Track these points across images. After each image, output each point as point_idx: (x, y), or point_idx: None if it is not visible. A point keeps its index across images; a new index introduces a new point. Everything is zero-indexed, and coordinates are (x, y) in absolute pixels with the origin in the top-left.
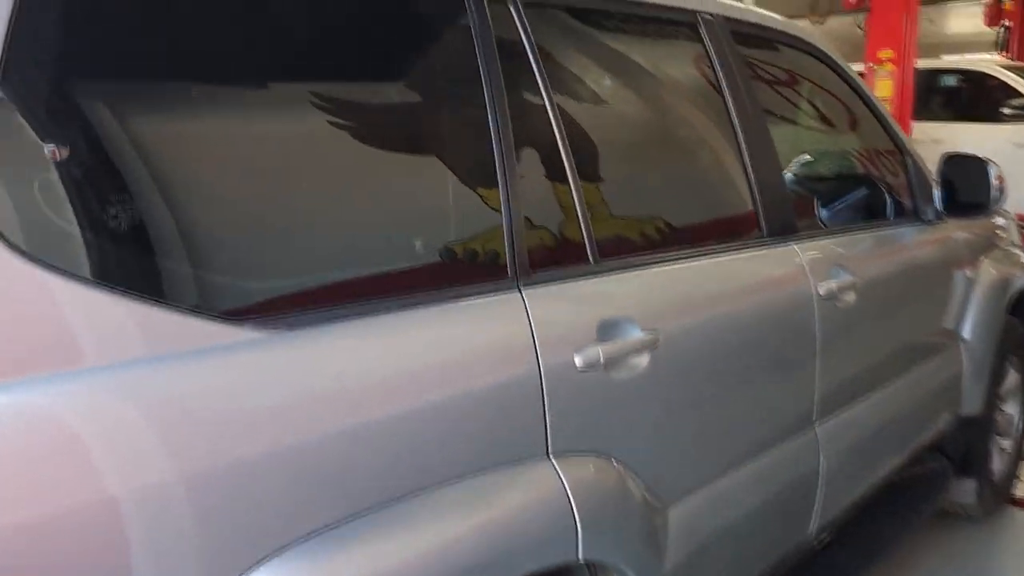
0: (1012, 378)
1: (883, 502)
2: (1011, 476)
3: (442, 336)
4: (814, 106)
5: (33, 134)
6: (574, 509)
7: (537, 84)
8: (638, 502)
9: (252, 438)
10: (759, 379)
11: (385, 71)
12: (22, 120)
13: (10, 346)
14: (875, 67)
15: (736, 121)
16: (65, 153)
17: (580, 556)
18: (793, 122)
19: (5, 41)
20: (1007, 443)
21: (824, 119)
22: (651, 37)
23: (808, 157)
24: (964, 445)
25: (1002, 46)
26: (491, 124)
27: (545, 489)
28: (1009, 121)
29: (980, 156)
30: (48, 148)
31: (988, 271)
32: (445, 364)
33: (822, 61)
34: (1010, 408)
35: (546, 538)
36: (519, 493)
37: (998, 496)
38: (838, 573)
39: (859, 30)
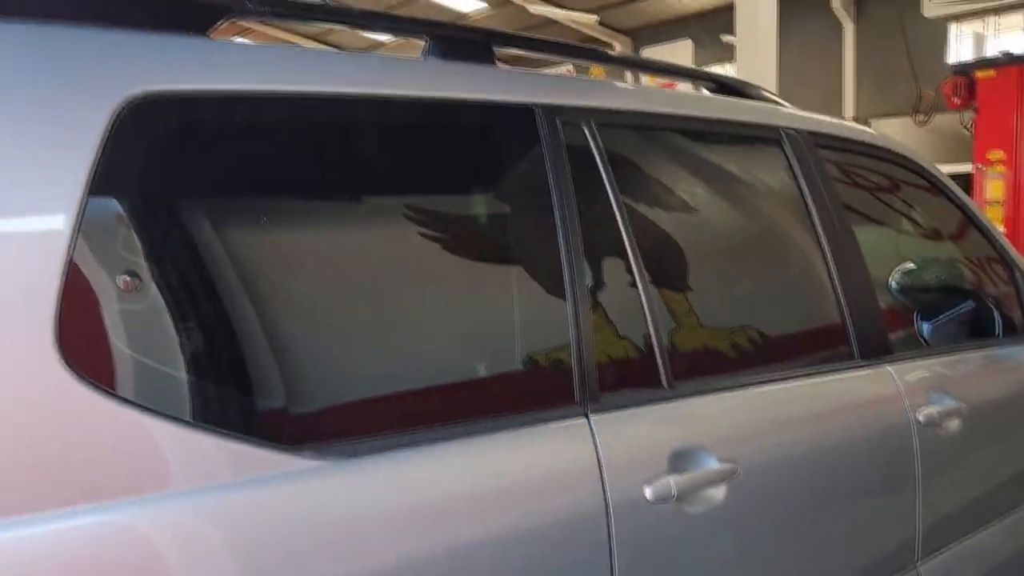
0: None
1: None
2: None
3: (504, 464)
4: (908, 217)
5: (113, 270)
6: None
7: (610, 203)
8: None
9: (307, 567)
10: (851, 514)
11: (458, 193)
12: (104, 255)
13: (99, 474)
14: (985, 168)
15: (822, 235)
16: (142, 290)
17: None
18: (886, 234)
19: (90, 178)
20: None
21: (919, 229)
22: (731, 152)
23: (911, 265)
24: None
25: None
26: (561, 244)
27: None
28: None
29: None
30: (121, 280)
31: None
32: (507, 493)
33: (913, 170)
34: None
35: None
36: None
37: None
38: None
39: (966, 131)
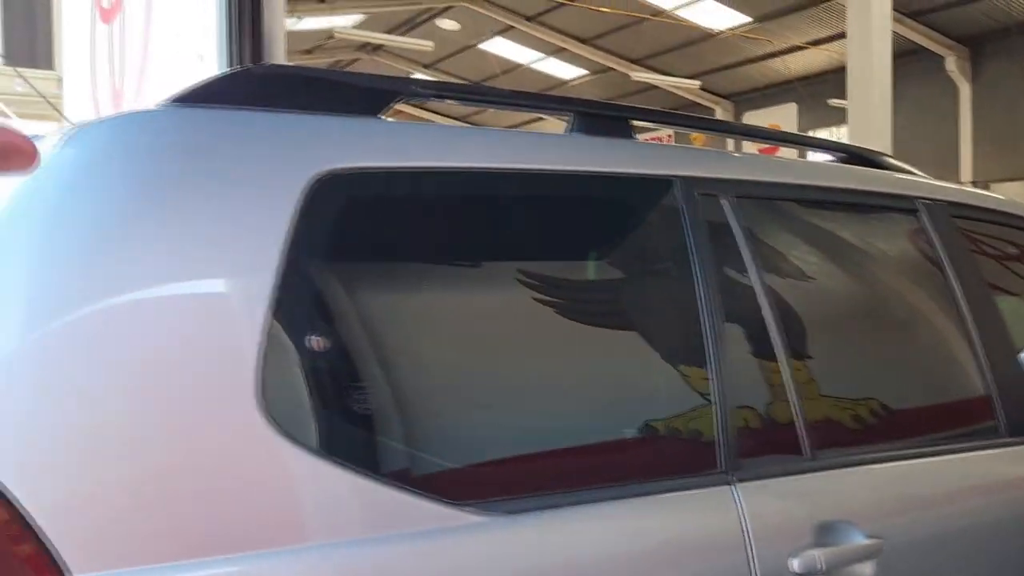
0: None
1: None
2: None
3: (651, 527)
4: None
5: (304, 331)
6: None
7: (749, 273)
8: None
9: None
10: None
11: (607, 262)
12: (296, 317)
13: (295, 518)
14: None
15: (964, 307)
16: (329, 350)
17: None
18: None
19: (285, 247)
20: None
21: None
22: (867, 223)
23: None
24: None
25: None
26: (703, 314)
27: None
28: None
29: None
30: (312, 340)
31: None
32: (654, 557)
33: None
34: None
35: None
36: None
37: None
38: None
39: None
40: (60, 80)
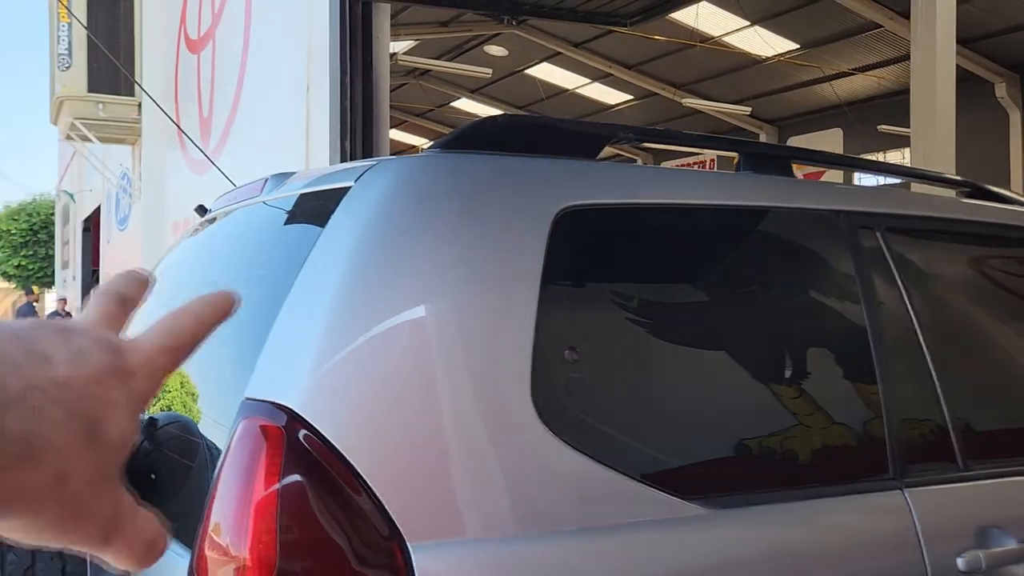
0: None
1: None
2: None
3: (835, 524)
4: None
5: (560, 344)
6: None
7: (903, 298)
8: None
9: None
10: None
11: (787, 286)
12: (553, 332)
13: (560, 507)
14: None
15: None
16: (580, 361)
17: None
18: None
19: (543, 271)
20: None
21: None
22: (997, 252)
23: None
24: None
25: None
26: (869, 332)
27: None
28: None
29: None
30: (567, 352)
31: None
32: (837, 550)
33: None
34: None
35: None
36: None
37: None
38: None
39: None
40: (139, 106)
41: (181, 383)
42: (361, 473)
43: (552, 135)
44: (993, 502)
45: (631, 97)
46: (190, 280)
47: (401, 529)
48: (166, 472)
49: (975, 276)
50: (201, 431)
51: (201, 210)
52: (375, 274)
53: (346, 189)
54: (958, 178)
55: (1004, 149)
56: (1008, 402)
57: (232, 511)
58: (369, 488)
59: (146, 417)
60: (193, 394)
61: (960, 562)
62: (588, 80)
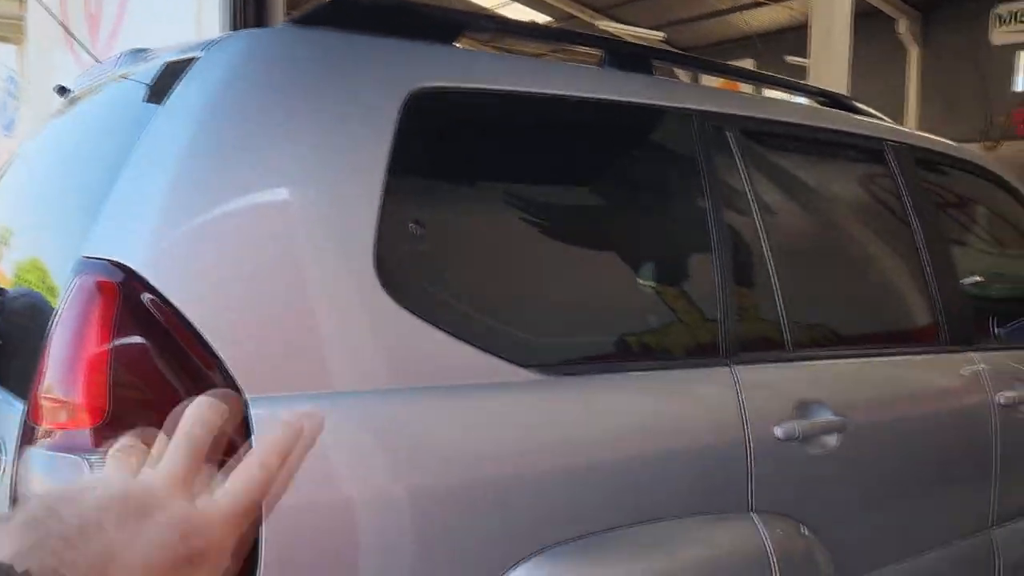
0: None
1: None
2: None
3: (673, 395)
4: (990, 226)
5: (405, 219)
6: (772, 559)
7: (747, 198)
8: (824, 569)
9: (526, 456)
10: (937, 476)
11: (635, 177)
12: (398, 208)
13: (404, 365)
14: None
15: (920, 236)
16: (423, 234)
17: None
18: (970, 241)
19: (391, 150)
20: None
21: (1001, 240)
22: (843, 159)
23: (979, 278)
24: None
25: None
26: (713, 226)
27: (749, 540)
28: None
29: None
30: (411, 226)
31: None
32: (675, 418)
33: (1000, 186)
34: None
35: None
36: (727, 539)
37: None
38: None
39: None
40: (23, 2)
41: (32, 263)
42: (199, 329)
43: (409, 17)
44: (818, 382)
45: (550, 19)
46: (53, 161)
47: (238, 383)
48: (11, 338)
49: (818, 180)
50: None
51: (61, 90)
52: (217, 143)
53: (192, 60)
54: (815, 87)
55: (902, 84)
56: (836, 296)
57: (66, 361)
58: (207, 344)
59: None
60: (39, 265)
61: (778, 430)
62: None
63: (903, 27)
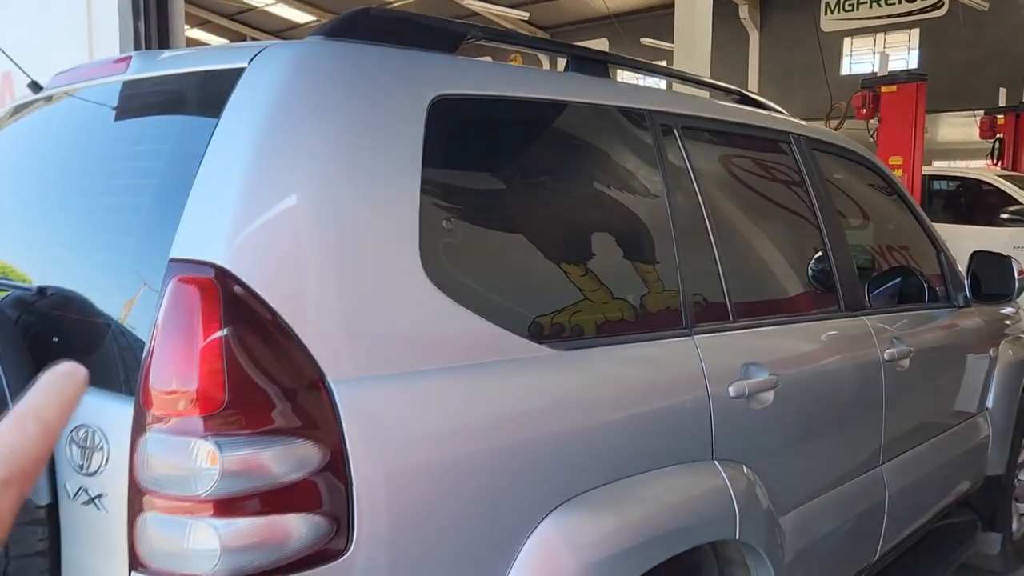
0: None
1: (925, 544)
2: None
3: (651, 362)
4: (865, 204)
5: (439, 216)
6: (734, 500)
7: (693, 186)
8: (766, 505)
9: (542, 421)
10: (844, 422)
11: (598, 172)
12: (433, 204)
13: (446, 347)
14: None
15: (820, 217)
16: (456, 228)
17: (737, 535)
18: (852, 218)
19: (422, 151)
20: None
21: (876, 216)
22: (761, 150)
23: (864, 245)
24: (990, 503)
25: (997, 156)
26: (670, 216)
27: (716, 483)
28: (1007, 225)
29: (1004, 254)
30: (445, 222)
31: (1006, 352)
32: (655, 383)
33: (873, 170)
34: None
35: (718, 516)
36: (700, 482)
37: (1018, 554)
38: None
39: (871, 138)
40: None
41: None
42: (286, 320)
43: (418, 30)
44: (757, 346)
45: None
46: (38, 159)
47: (322, 368)
48: (64, 335)
49: (744, 169)
50: (87, 295)
51: (35, 87)
52: (279, 151)
53: (239, 70)
54: (731, 87)
55: (744, 65)
56: (763, 271)
57: (176, 358)
58: (293, 334)
59: (34, 288)
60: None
61: (731, 389)
62: None
63: (744, 12)
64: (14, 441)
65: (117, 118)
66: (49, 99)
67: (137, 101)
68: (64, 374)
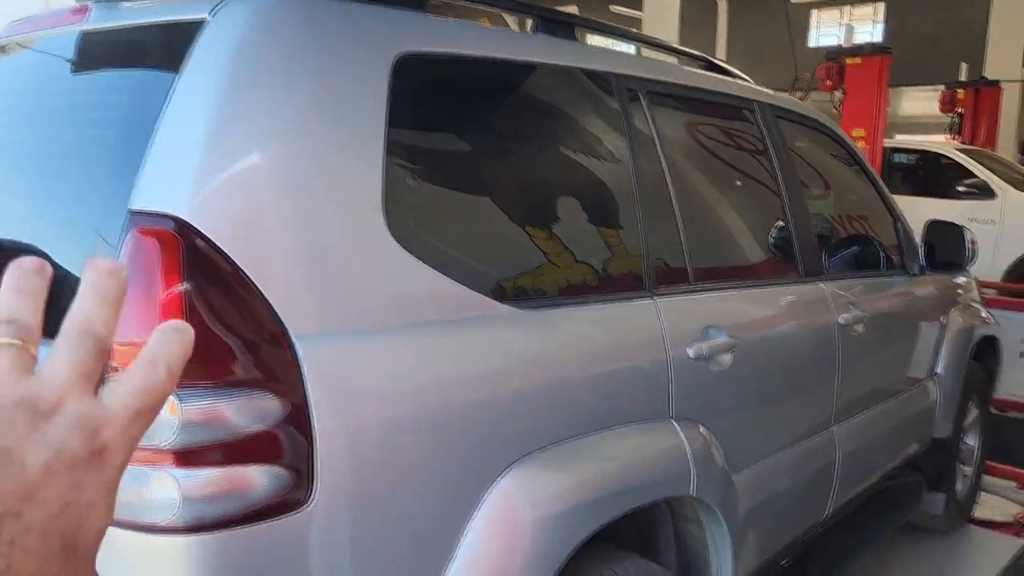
0: (973, 414)
1: (873, 503)
2: (971, 499)
3: (612, 322)
4: (826, 172)
5: (403, 174)
6: (690, 458)
7: (657, 150)
8: (721, 463)
9: (504, 378)
10: (798, 383)
11: (578, 151)
12: (398, 163)
13: (406, 303)
14: None
15: (782, 184)
16: (418, 187)
17: (693, 492)
18: (812, 186)
19: (387, 109)
20: (968, 470)
21: (836, 184)
22: (726, 116)
23: (824, 213)
24: (936, 464)
25: (956, 130)
26: (634, 180)
27: (673, 442)
28: (963, 198)
29: (957, 223)
30: (408, 180)
31: (956, 319)
32: (616, 344)
33: (835, 140)
34: (970, 440)
35: (675, 473)
36: (658, 441)
37: (961, 513)
38: (833, 554)
39: (835, 110)
40: None
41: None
42: (248, 274)
43: None
44: (716, 310)
45: None
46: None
47: (284, 322)
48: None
49: (707, 135)
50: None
51: None
52: (242, 105)
53: (200, 21)
54: (697, 53)
55: (712, 35)
56: (724, 236)
57: (136, 311)
58: (255, 288)
59: None
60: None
61: (690, 351)
62: None
63: None
64: (149, 380)
65: (75, 69)
66: (3, 49)
67: (96, 52)
68: (179, 330)
